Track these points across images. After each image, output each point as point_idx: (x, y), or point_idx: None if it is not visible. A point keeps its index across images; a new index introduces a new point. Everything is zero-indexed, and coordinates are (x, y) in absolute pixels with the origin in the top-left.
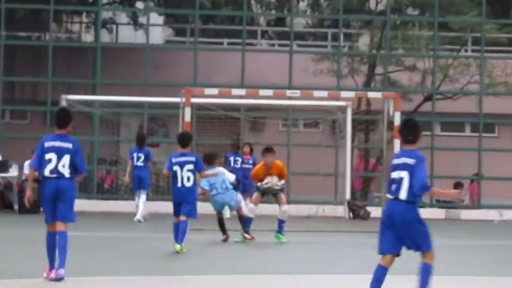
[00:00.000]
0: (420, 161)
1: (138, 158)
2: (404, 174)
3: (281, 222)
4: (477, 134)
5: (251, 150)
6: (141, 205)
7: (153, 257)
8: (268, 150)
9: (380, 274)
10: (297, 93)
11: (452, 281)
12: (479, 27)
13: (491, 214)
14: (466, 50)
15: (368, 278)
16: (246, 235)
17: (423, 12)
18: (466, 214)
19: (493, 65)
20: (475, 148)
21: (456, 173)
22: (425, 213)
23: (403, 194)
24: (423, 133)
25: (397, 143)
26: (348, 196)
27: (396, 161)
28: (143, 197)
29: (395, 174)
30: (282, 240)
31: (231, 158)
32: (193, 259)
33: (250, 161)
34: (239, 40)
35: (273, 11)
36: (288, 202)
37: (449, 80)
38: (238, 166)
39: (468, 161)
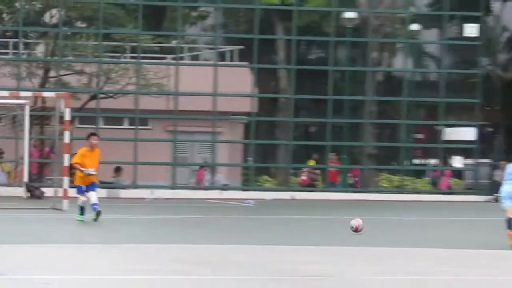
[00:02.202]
0: None
1: None
2: None
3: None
4: (134, 127)
5: None
6: None
7: None
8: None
9: None
10: None
11: (114, 248)
12: (136, 37)
13: (145, 193)
14: (125, 57)
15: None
16: None
17: (90, 24)
18: (125, 193)
19: (148, 69)
20: (132, 138)
21: (117, 159)
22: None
23: None
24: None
25: (67, 134)
26: (26, 178)
27: None
28: None
29: None
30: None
31: None
32: None
33: None
34: None
35: None
36: None
37: (111, 82)
38: None
39: (127, 149)
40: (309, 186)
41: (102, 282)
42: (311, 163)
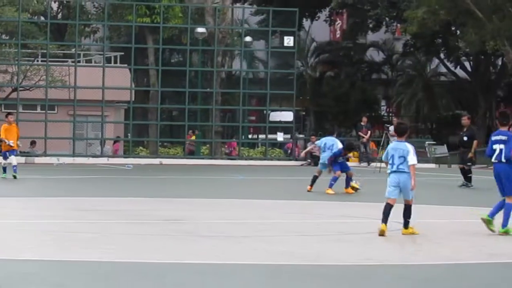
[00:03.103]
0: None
1: None
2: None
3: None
4: (44, 112)
5: None
6: None
7: None
8: (11, 113)
9: (500, 205)
10: None
11: (28, 200)
12: (45, 46)
13: (53, 160)
14: (37, 60)
15: None
16: None
17: (11, 36)
18: (38, 160)
19: (54, 70)
20: (43, 120)
21: (32, 135)
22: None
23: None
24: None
25: None
26: None
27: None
28: None
29: (496, 146)
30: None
31: None
32: None
33: None
34: None
35: None
36: None
37: (28, 79)
38: None
39: (39, 128)
40: (190, 154)
41: (18, 224)
42: (193, 137)
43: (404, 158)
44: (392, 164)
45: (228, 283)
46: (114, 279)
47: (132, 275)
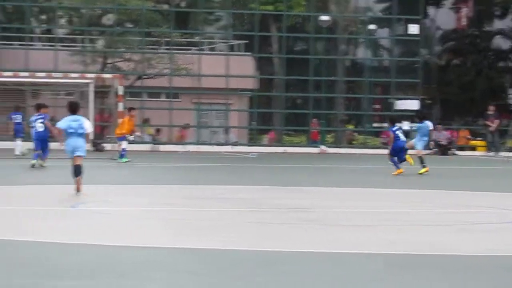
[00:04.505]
0: None
1: None
2: None
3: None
4: (168, 100)
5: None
6: None
7: None
8: (134, 108)
9: None
10: (60, 75)
11: (151, 187)
12: (169, 34)
13: (178, 148)
14: (161, 49)
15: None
16: None
17: (136, 25)
18: (163, 147)
19: (178, 58)
20: (168, 108)
21: (157, 123)
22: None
23: None
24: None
25: (120, 105)
26: (92, 137)
27: None
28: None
29: None
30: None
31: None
32: None
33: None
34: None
35: (44, 24)
36: None
37: (151, 67)
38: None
39: (164, 116)
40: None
41: (141, 212)
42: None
43: None
44: None
45: (352, 272)
46: (238, 267)
47: (253, 263)
